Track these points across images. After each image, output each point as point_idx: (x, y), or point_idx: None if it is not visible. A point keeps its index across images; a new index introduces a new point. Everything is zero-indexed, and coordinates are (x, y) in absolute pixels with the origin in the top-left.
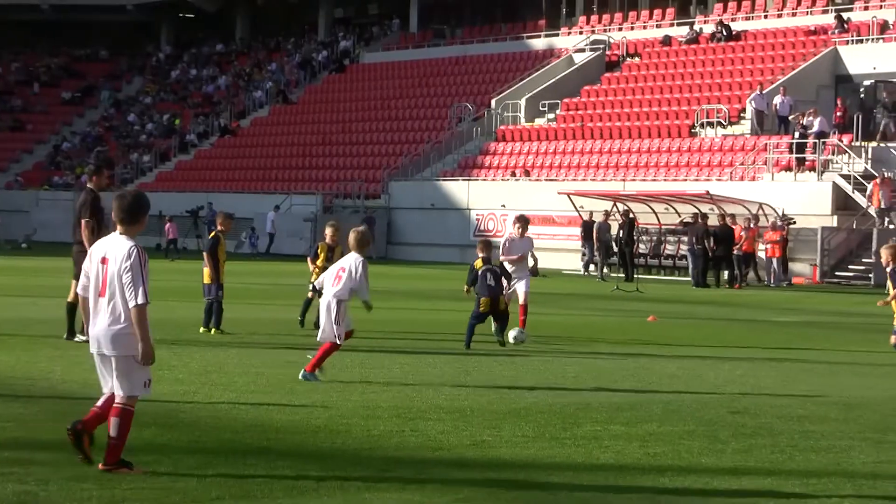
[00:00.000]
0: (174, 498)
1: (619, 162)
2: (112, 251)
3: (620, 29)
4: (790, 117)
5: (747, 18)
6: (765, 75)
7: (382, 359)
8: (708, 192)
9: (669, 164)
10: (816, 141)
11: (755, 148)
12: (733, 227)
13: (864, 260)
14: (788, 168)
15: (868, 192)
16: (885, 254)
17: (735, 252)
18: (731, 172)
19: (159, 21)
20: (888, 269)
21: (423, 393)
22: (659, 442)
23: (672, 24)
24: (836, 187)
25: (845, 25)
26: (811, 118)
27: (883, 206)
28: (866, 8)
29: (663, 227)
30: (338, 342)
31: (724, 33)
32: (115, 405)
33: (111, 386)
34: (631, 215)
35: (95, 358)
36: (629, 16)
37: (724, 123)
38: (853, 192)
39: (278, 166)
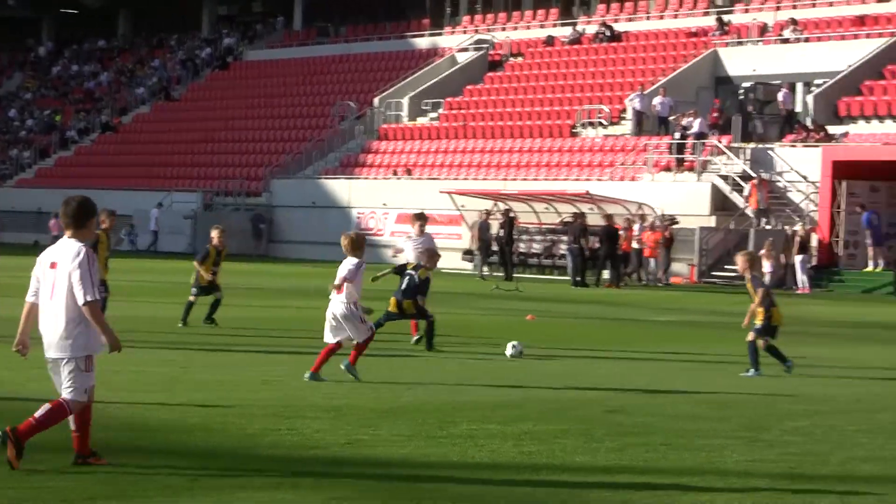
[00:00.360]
0: (47, 497)
1: (500, 161)
2: (61, 255)
3: (504, 29)
4: (670, 118)
5: (629, 20)
6: (646, 76)
7: (260, 357)
8: (588, 192)
9: (550, 163)
10: (696, 142)
11: (635, 148)
12: (618, 226)
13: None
14: (668, 168)
15: (746, 193)
16: (740, 261)
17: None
18: (612, 172)
19: (40, 16)
20: (747, 276)
21: (300, 392)
22: (534, 441)
23: (555, 25)
24: (714, 188)
25: (725, 28)
26: (691, 119)
27: (760, 207)
28: (746, 10)
29: (543, 226)
30: (369, 336)
31: (607, 34)
32: (59, 399)
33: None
34: (511, 214)
35: (49, 363)
36: (513, 16)
37: (605, 124)
38: (731, 193)
39: (159, 163)
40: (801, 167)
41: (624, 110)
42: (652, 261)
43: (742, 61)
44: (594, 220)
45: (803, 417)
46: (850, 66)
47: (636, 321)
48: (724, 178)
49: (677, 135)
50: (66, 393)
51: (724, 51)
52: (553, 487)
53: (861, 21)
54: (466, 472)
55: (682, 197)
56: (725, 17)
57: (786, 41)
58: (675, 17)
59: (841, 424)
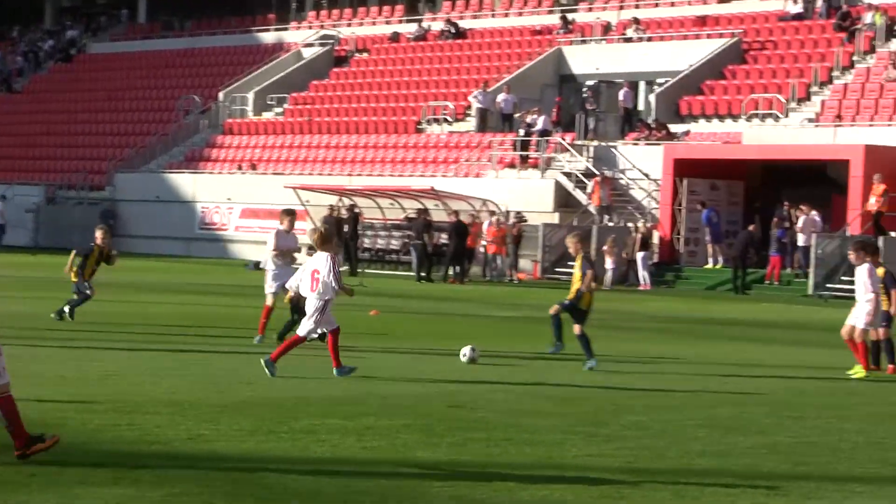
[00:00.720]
0: None
1: (346, 157)
2: None
3: (350, 25)
4: (514, 115)
5: (475, 17)
6: (490, 73)
7: (102, 353)
8: (433, 188)
9: (395, 159)
10: (540, 139)
11: (480, 145)
12: (467, 223)
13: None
14: (512, 165)
15: (589, 190)
16: (571, 243)
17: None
18: (456, 169)
19: None
20: (578, 257)
21: (141, 387)
22: (376, 436)
23: (401, 21)
24: (557, 185)
25: (569, 26)
26: (535, 116)
27: (603, 204)
28: (590, 9)
29: (388, 221)
30: (302, 336)
31: (452, 31)
32: None
33: None
34: (356, 210)
35: None
36: (358, 12)
37: (450, 120)
38: (574, 190)
39: (1, 156)
40: (643, 165)
41: (468, 107)
42: (498, 257)
43: (585, 60)
44: (440, 216)
45: (641, 412)
46: (691, 65)
47: (479, 317)
48: (568, 175)
49: (521, 132)
50: None
51: (568, 49)
52: (394, 482)
53: (702, 21)
54: (308, 466)
55: (525, 193)
56: (569, 16)
57: (629, 40)
58: (520, 14)
59: (678, 419)
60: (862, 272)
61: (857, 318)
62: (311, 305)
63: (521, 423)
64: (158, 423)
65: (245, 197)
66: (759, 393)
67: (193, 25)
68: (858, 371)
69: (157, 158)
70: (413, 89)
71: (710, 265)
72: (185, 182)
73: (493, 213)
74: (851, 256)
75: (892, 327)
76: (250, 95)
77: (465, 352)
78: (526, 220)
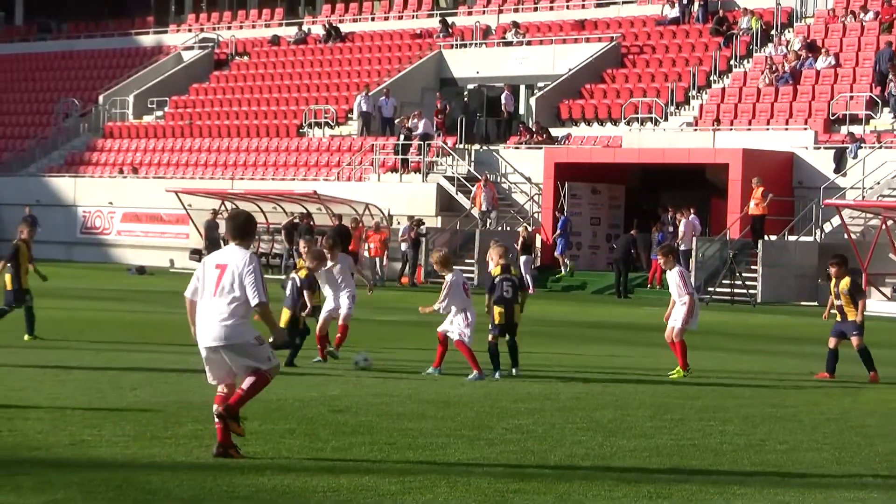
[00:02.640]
0: None
1: (227, 160)
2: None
3: (230, 28)
4: (395, 119)
5: (355, 20)
6: (371, 77)
7: None
8: (315, 192)
9: (278, 163)
10: (421, 143)
11: (362, 149)
12: (349, 226)
13: (466, 260)
14: (394, 169)
15: (472, 194)
16: (494, 253)
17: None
18: (339, 173)
19: None
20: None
21: (22, 392)
22: (259, 441)
23: (281, 24)
24: (440, 189)
25: (450, 30)
26: (416, 120)
27: (484, 208)
28: (470, 13)
29: (271, 226)
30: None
31: (332, 34)
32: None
33: None
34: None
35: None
36: (238, 15)
37: (332, 124)
38: (457, 194)
39: None
40: (524, 169)
41: (350, 111)
42: (377, 260)
43: (466, 63)
44: (322, 220)
45: (525, 416)
46: (570, 69)
47: (361, 321)
48: (450, 179)
49: (403, 136)
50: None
51: (449, 53)
52: (278, 487)
53: (581, 25)
54: (191, 472)
55: (408, 197)
56: (449, 20)
57: (509, 44)
58: (400, 18)
59: (561, 422)
60: (674, 276)
61: (675, 318)
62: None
63: (405, 427)
64: (40, 429)
65: (126, 201)
66: (641, 396)
67: (71, 28)
68: (677, 372)
69: (36, 162)
70: (294, 93)
71: (563, 273)
72: (66, 186)
73: (386, 217)
74: (661, 260)
75: (863, 336)
76: (130, 99)
77: (358, 359)
78: (423, 224)
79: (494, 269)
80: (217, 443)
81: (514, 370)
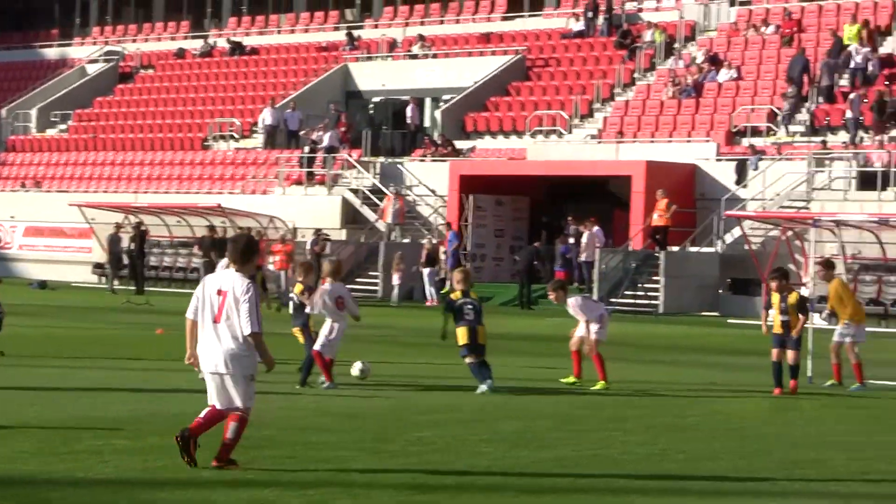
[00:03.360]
0: None
1: (131, 174)
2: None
3: (135, 41)
4: (301, 132)
5: (261, 33)
6: (277, 90)
7: None
8: (220, 206)
9: (182, 176)
10: (326, 156)
11: (267, 162)
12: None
13: (371, 273)
14: (299, 182)
15: (381, 206)
16: (455, 277)
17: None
18: (243, 186)
19: None
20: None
21: None
22: (161, 455)
23: (186, 38)
24: (345, 201)
25: (355, 43)
26: (321, 133)
27: (391, 221)
28: (376, 26)
29: (175, 239)
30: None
31: (238, 48)
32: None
33: None
34: (143, 227)
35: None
36: (143, 28)
37: (237, 137)
38: (362, 207)
39: None
40: (429, 181)
41: (255, 124)
42: (282, 273)
43: (372, 76)
44: (228, 233)
45: (428, 428)
46: (476, 82)
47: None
48: (355, 191)
49: (308, 148)
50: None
51: (355, 66)
52: (178, 501)
53: (487, 38)
54: (91, 487)
55: (313, 210)
56: (355, 33)
57: (414, 57)
58: (306, 31)
59: (464, 434)
60: (571, 309)
61: (590, 332)
62: None
63: (308, 441)
64: None
65: (29, 215)
66: (544, 407)
67: None
68: (599, 384)
69: None
70: (199, 106)
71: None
72: None
73: (292, 231)
74: (551, 297)
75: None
76: (33, 112)
77: (358, 366)
78: (328, 237)
79: (454, 293)
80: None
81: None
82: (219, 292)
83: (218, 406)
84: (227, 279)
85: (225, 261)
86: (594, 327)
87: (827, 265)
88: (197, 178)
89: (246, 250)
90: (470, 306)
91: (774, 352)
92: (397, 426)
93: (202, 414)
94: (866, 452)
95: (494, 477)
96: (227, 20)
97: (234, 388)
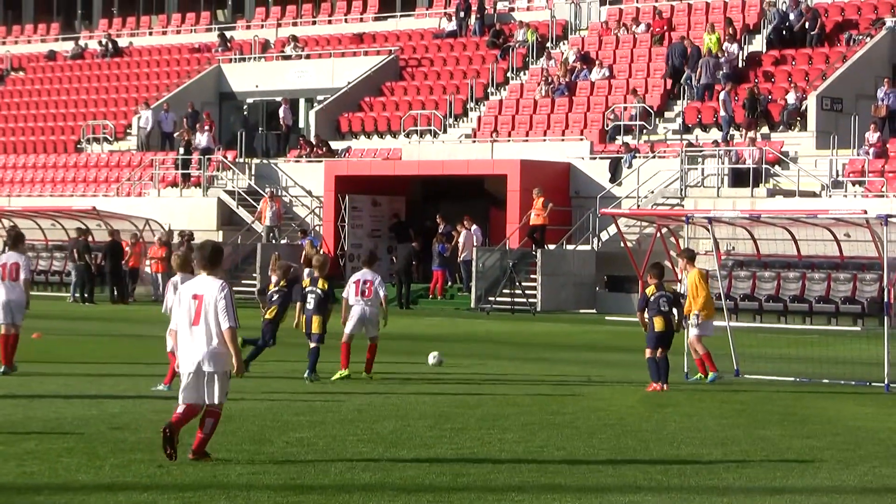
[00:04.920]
0: None
1: (4, 177)
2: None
3: (4, 43)
4: (175, 133)
5: (132, 34)
6: (150, 91)
7: None
8: (94, 208)
9: (56, 179)
10: (201, 157)
11: (141, 164)
12: (130, 242)
13: (252, 274)
14: (174, 184)
15: (258, 209)
16: (315, 261)
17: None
18: (118, 188)
19: None
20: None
21: None
22: (36, 460)
23: (57, 39)
24: (221, 203)
25: (228, 44)
26: (198, 133)
27: (269, 223)
28: (248, 27)
29: (49, 243)
30: None
31: (110, 49)
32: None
33: None
34: (16, 231)
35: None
36: (13, 29)
37: (111, 139)
38: (238, 208)
39: None
40: (305, 182)
41: (129, 125)
42: (159, 276)
43: (245, 77)
44: (103, 236)
45: (307, 429)
46: (349, 82)
47: (141, 337)
48: (231, 193)
49: (182, 150)
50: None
51: (228, 67)
52: None
53: (360, 39)
54: None
55: (189, 212)
56: (228, 34)
57: (287, 58)
58: (178, 32)
59: (343, 435)
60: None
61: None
62: None
63: (185, 443)
64: None
65: None
66: (421, 406)
67: None
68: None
69: None
70: (72, 108)
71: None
72: None
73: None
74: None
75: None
76: None
77: (434, 355)
78: (194, 239)
79: (305, 281)
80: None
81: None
82: (195, 297)
83: (191, 402)
84: (202, 284)
85: (178, 277)
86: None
87: (689, 256)
88: (71, 180)
89: (213, 255)
90: (313, 295)
91: (649, 350)
92: (276, 427)
93: (179, 409)
94: (742, 446)
95: (374, 475)
96: (98, 21)
97: (212, 386)
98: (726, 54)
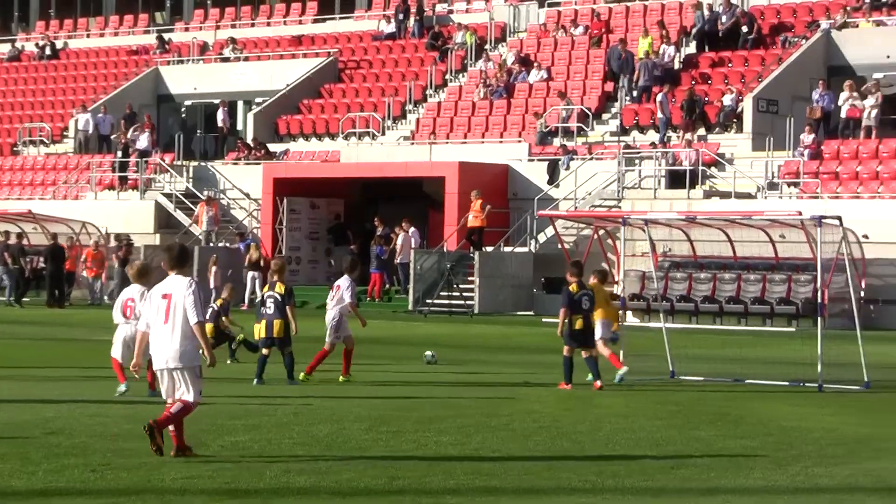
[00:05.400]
0: None
1: None
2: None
3: None
4: (112, 136)
5: (70, 37)
6: (88, 94)
7: None
8: (31, 211)
9: None
10: (139, 160)
11: (78, 166)
12: (66, 246)
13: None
14: (112, 187)
15: (195, 213)
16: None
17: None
18: (55, 191)
19: None
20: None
21: None
22: None
23: None
24: (158, 206)
25: (167, 46)
26: (137, 133)
27: (206, 227)
28: (187, 29)
29: None
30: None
31: (47, 51)
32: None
33: None
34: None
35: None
36: None
37: (48, 142)
38: (175, 211)
39: None
40: (243, 185)
41: (66, 128)
42: (93, 280)
43: (183, 79)
44: (39, 239)
45: (242, 432)
46: (288, 84)
47: (77, 341)
48: (168, 195)
49: (120, 153)
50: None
51: (166, 69)
52: None
53: (298, 41)
54: None
55: (126, 215)
56: (166, 36)
57: (226, 60)
58: (116, 34)
59: (278, 438)
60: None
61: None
62: None
63: (120, 448)
64: None
65: None
66: (358, 409)
67: None
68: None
69: None
70: (8, 111)
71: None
72: None
73: (108, 236)
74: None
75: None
76: None
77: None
78: (132, 243)
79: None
80: (174, 447)
81: (288, 380)
82: (164, 296)
83: (168, 397)
84: (170, 283)
85: (136, 287)
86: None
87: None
88: (7, 183)
89: (180, 255)
90: (272, 300)
91: (567, 349)
92: (211, 431)
93: (172, 409)
94: (676, 447)
95: (309, 479)
96: (35, 23)
97: (184, 382)
98: (662, 57)
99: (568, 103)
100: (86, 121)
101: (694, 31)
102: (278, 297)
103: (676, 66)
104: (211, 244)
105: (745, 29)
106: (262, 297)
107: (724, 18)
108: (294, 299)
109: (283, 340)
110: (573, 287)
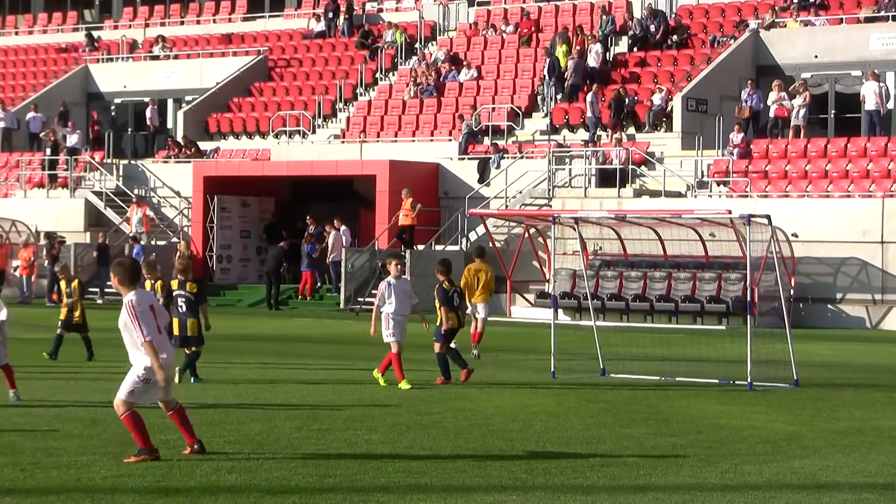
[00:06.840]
0: None
1: None
2: None
3: None
4: (41, 134)
5: None
6: (16, 92)
7: None
8: None
9: None
10: (69, 158)
11: (7, 165)
12: None
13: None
14: (41, 185)
15: (126, 214)
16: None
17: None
18: None
19: None
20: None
21: None
22: None
23: None
24: (88, 204)
25: (96, 44)
26: (68, 130)
27: (135, 229)
28: (116, 27)
29: None
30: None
31: None
32: None
33: None
34: None
35: None
36: None
37: None
38: (105, 209)
39: None
40: (173, 183)
41: None
42: (24, 278)
43: (113, 77)
44: None
45: (173, 431)
46: (218, 83)
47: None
48: (98, 194)
49: (49, 151)
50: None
51: (95, 67)
52: None
53: (229, 39)
54: None
55: (56, 213)
56: (95, 34)
57: (156, 58)
58: (45, 32)
59: (209, 436)
60: None
61: None
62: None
63: (49, 447)
64: None
65: None
66: (289, 407)
67: None
68: None
69: None
70: None
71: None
72: None
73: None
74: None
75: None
76: None
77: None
78: (64, 241)
79: (173, 282)
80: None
81: (192, 379)
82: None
83: (161, 403)
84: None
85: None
86: None
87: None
88: None
89: (131, 273)
90: (183, 298)
91: (439, 345)
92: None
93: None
94: (607, 445)
95: (240, 477)
96: None
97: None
98: (586, 58)
99: (475, 119)
100: (13, 119)
101: (600, 34)
102: (190, 297)
103: (605, 62)
104: (152, 242)
105: (672, 30)
106: (174, 296)
107: (651, 28)
108: (206, 297)
109: (196, 339)
110: (446, 284)
